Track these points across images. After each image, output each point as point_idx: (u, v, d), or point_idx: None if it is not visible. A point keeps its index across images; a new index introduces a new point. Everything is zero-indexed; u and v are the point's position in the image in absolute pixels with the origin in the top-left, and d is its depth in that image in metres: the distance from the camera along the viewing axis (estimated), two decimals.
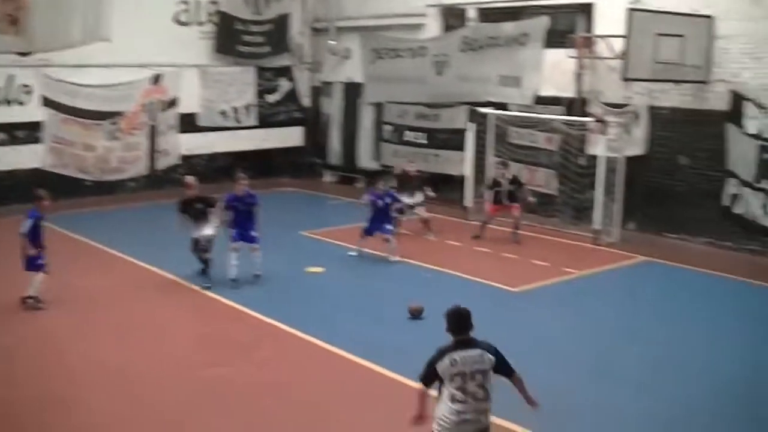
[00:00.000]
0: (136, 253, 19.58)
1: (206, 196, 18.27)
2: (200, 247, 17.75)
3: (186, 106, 29.02)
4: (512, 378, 8.97)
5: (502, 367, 8.90)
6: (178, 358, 13.36)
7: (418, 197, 22.38)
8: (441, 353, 8.74)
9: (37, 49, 25.47)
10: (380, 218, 19.97)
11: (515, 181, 21.68)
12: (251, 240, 17.85)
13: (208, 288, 17.02)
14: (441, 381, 8.59)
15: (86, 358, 13.37)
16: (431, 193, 22.60)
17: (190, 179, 18.68)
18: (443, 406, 8.54)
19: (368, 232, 20.02)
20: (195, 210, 17.83)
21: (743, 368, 13.24)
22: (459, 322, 9.11)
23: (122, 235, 21.56)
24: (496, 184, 21.65)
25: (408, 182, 22.49)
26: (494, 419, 8.95)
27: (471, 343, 8.89)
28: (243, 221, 17.87)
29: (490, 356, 8.83)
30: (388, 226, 19.94)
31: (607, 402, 11.91)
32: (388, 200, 20.17)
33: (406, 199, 21.75)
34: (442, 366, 8.61)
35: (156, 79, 28.07)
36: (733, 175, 20.64)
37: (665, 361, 13.43)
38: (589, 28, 23.37)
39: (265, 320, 15.17)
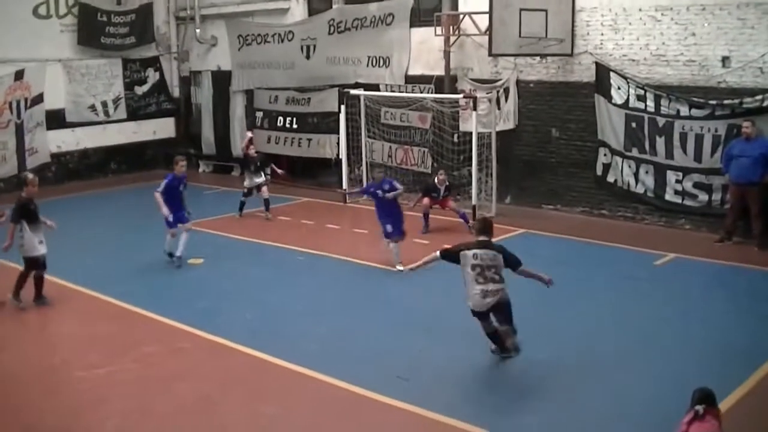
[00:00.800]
0: (5, 256, 19.06)
1: None
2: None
3: (52, 102, 28.39)
4: (519, 270, 12.19)
5: (510, 263, 12.15)
6: (57, 362, 13.05)
7: (261, 177, 22.66)
8: (468, 246, 12.23)
9: None
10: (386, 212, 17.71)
11: (448, 188, 21.29)
12: (186, 220, 18.14)
13: None
14: (457, 262, 12.17)
15: None
16: (279, 171, 23.21)
17: (32, 177, 17.04)
18: (471, 286, 12.06)
19: (396, 233, 17.54)
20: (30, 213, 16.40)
21: (622, 330, 13.53)
22: (483, 228, 12.48)
23: None
24: (433, 188, 21.10)
25: (251, 162, 22.72)
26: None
27: (488, 246, 12.16)
28: (178, 203, 18.03)
29: (501, 256, 12.06)
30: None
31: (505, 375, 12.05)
32: (386, 187, 17.89)
33: (249, 181, 22.45)
34: (467, 256, 12.05)
35: (18, 75, 27.30)
36: (604, 145, 21.07)
37: (552, 329, 13.61)
38: (454, 6, 23.51)
39: (147, 315, 14.90)
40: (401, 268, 16.30)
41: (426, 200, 20.45)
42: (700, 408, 8.07)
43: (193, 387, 11.84)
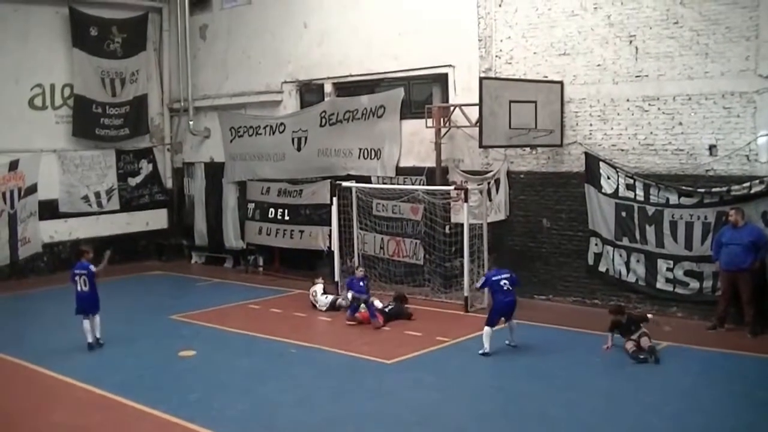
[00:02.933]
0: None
1: None
2: None
3: (46, 192, 28.53)
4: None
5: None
6: None
7: None
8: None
9: None
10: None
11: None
12: None
13: None
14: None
15: None
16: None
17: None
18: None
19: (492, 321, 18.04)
20: None
21: (620, 419, 13.47)
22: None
23: None
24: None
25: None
26: None
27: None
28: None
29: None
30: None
31: None
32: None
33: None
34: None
35: (13, 166, 27.45)
36: (595, 234, 21.16)
37: (545, 420, 13.54)
38: (444, 98, 23.79)
39: (138, 407, 14.76)
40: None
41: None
42: None
43: None
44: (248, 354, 18.29)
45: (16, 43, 27.85)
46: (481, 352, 17.48)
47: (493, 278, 18.20)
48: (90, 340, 18.67)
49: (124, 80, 30.21)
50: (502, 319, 17.94)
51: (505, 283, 17.99)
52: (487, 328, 17.66)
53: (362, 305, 20.41)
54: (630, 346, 16.85)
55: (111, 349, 18.62)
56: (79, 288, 18.78)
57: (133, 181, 31.17)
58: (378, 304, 20.96)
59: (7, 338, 19.75)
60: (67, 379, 16.53)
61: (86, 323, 18.71)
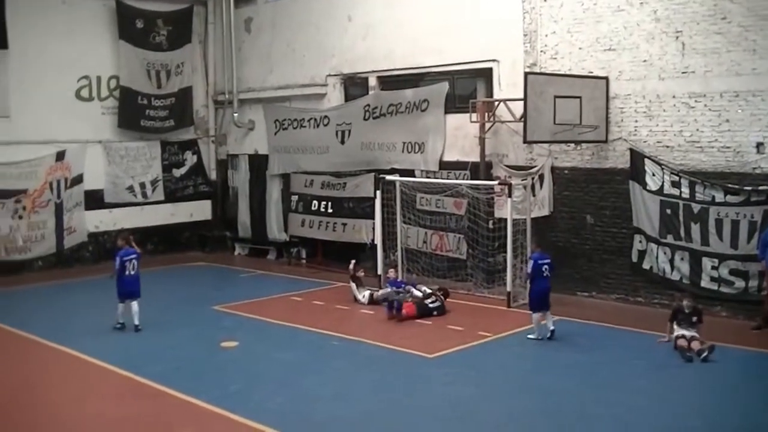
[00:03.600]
0: (44, 334, 19.18)
1: None
2: None
3: (91, 183, 28.76)
4: None
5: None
6: None
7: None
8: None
9: None
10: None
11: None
12: None
13: None
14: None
15: None
16: None
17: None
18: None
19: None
20: None
21: (659, 419, 13.36)
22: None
23: (29, 315, 21.14)
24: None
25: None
26: None
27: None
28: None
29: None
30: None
31: None
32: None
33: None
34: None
35: (60, 156, 27.73)
36: (639, 231, 21.01)
37: (585, 418, 13.47)
38: (489, 93, 23.72)
39: (180, 396, 14.87)
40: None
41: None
42: None
43: None
44: (290, 346, 18.34)
45: (63, 35, 28.04)
46: (532, 336, 18.33)
47: (539, 261, 18.55)
48: (122, 321, 19.37)
49: (170, 72, 30.37)
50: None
51: (546, 269, 18.54)
52: (535, 315, 18.39)
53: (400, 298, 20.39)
54: (682, 342, 16.72)
55: (153, 338, 18.74)
56: (128, 272, 19.35)
57: (177, 173, 31.35)
58: (417, 293, 21.00)
59: (51, 327, 19.93)
60: (109, 367, 16.66)
61: (122, 307, 19.38)
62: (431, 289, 21.49)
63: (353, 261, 23.25)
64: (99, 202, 29.11)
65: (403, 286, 21.81)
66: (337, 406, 14.25)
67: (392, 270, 22.93)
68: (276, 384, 15.55)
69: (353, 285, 22.47)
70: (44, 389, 15.63)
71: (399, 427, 13.29)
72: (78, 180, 28.42)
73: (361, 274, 22.95)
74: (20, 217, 27.04)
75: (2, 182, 26.59)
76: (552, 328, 18.27)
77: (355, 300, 22.15)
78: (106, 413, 14.33)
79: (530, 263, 18.87)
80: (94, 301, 17.57)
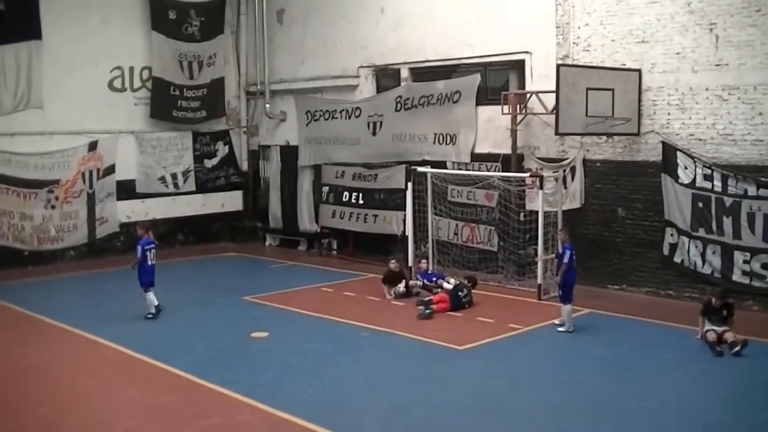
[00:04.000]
0: (76, 323, 19.33)
1: None
2: None
3: (123, 173, 28.93)
4: None
5: None
6: (122, 430, 13.12)
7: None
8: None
9: None
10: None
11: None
12: None
13: None
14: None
15: (22, 429, 13.13)
16: None
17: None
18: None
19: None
20: None
21: (691, 413, 13.31)
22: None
23: (61, 304, 21.34)
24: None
25: None
26: None
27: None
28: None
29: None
30: None
31: None
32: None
33: None
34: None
35: (92, 146, 27.90)
36: (671, 225, 20.92)
37: (615, 411, 13.44)
38: (521, 85, 23.67)
39: (210, 386, 14.95)
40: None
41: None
42: None
43: None
44: (320, 337, 18.39)
45: (96, 26, 28.21)
46: (563, 329, 18.39)
47: (569, 251, 18.58)
48: (153, 309, 19.83)
49: (202, 63, 30.46)
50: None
51: (574, 258, 18.63)
52: (567, 307, 18.41)
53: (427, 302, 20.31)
54: (711, 336, 16.65)
55: (184, 328, 18.87)
56: (149, 262, 19.88)
57: (209, 163, 31.46)
58: (448, 285, 21.00)
59: (83, 316, 20.11)
60: (140, 356, 16.77)
61: (150, 295, 19.86)
62: (459, 279, 21.47)
63: (393, 260, 23.06)
64: (131, 193, 29.28)
65: (434, 279, 21.80)
66: (368, 398, 14.29)
67: (424, 261, 22.95)
68: (307, 375, 15.60)
69: (385, 286, 22.33)
70: (77, 376, 15.78)
71: (429, 419, 13.29)
72: (110, 170, 28.59)
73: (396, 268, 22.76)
74: (53, 207, 27.25)
75: (35, 172, 26.78)
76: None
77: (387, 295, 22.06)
78: (139, 401, 14.45)
79: (567, 253, 18.53)
80: (126, 291, 17.66)
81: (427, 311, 19.70)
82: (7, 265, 25.09)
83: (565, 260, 18.52)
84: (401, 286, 21.89)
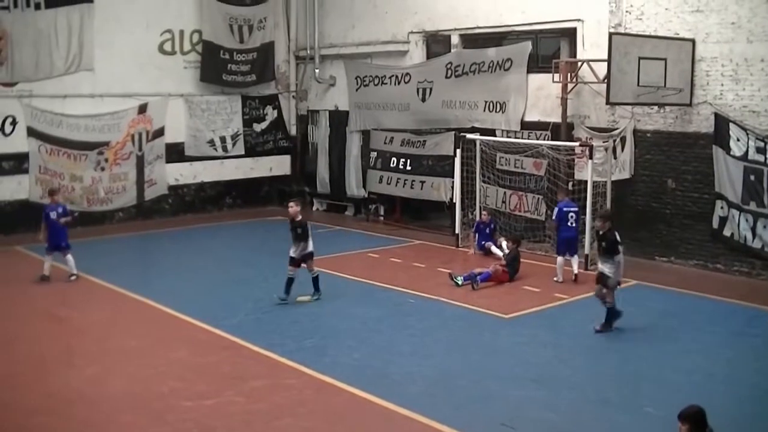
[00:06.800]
0: (122, 283, 19.49)
1: None
2: None
3: (172, 136, 29.09)
4: None
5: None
6: (166, 390, 13.24)
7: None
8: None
9: (20, 79, 25.56)
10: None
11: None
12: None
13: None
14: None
15: (68, 388, 13.28)
16: None
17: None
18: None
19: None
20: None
21: (738, 387, 13.21)
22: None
23: (109, 265, 21.49)
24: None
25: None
26: None
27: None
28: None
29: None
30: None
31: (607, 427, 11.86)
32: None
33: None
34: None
35: (142, 109, 28.05)
36: (721, 197, 20.69)
37: (661, 383, 13.36)
38: (572, 53, 23.47)
39: (255, 349, 15.06)
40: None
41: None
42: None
43: (298, 423, 11.89)
44: (366, 302, 18.43)
45: None
46: (555, 279, 19.97)
47: (564, 209, 19.90)
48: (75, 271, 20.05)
49: (252, 27, 30.48)
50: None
51: (572, 216, 19.82)
52: (558, 259, 20.15)
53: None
54: None
55: (231, 291, 18.97)
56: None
57: (258, 127, 31.54)
58: (498, 252, 21.40)
59: (131, 277, 20.30)
60: (187, 318, 16.94)
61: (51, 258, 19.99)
62: (506, 242, 21.58)
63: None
64: (180, 155, 29.46)
65: (490, 228, 22.92)
66: (413, 363, 14.31)
67: (485, 213, 23.14)
68: (351, 339, 15.66)
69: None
70: (124, 336, 15.92)
71: (473, 387, 13.29)
72: (159, 133, 28.78)
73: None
74: (102, 169, 27.49)
75: (85, 134, 27.02)
76: (576, 272, 20.05)
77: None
78: (184, 361, 14.61)
79: (555, 210, 20.46)
80: (174, 252, 17.74)
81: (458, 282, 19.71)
82: None
83: (553, 216, 20.76)
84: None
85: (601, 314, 16.11)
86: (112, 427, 11.87)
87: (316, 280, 18.50)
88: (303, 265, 18.23)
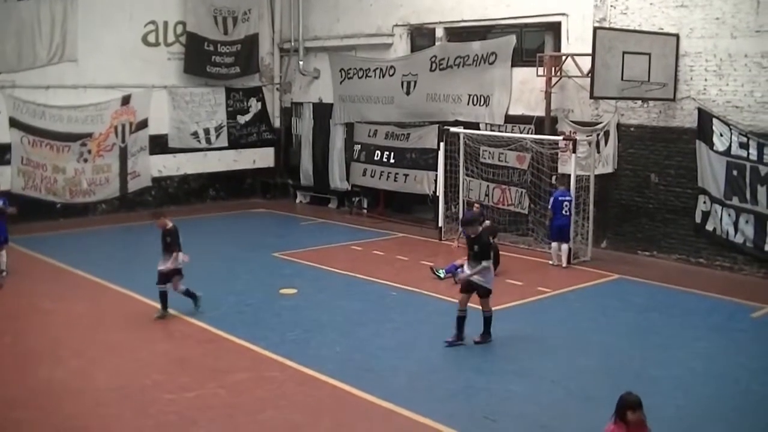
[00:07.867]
0: (106, 276, 19.45)
1: None
2: None
3: (156, 128, 29.01)
4: None
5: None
6: (149, 382, 13.22)
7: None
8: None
9: (3, 69, 25.51)
10: None
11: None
12: None
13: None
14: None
15: (51, 381, 13.23)
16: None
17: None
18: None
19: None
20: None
21: (720, 382, 13.26)
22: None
23: (92, 257, 21.48)
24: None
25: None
26: None
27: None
28: None
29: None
30: None
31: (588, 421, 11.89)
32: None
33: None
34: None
35: (125, 101, 27.96)
36: (704, 192, 20.77)
37: (643, 378, 13.39)
38: (557, 47, 23.50)
39: (238, 342, 15.04)
40: None
41: None
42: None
43: (280, 416, 11.88)
44: (349, 295, 18.43)
45: None
46: (551, 263, 21.07)
47: (560, 197, 20.54)
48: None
49: (236, 19, 30.42)
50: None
51: (566, 205, 20.42)
52: (553, 244, 21.15)
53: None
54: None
55: (213, 284, 18.88)
56: None
57: (241, 119, 31.48)
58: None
59: (114, 269, 20.22)
60: (169, 311, 16.81)
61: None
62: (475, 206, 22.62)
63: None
64: (163, 147, 29.39)
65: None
66: (396, 357, 14.32)
67: (477, 205, 22.86)
68: (335, 333, 15.65)
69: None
70: (107, 329, 15.88)
71: (456, 380, 13.34)
72: (143, 125, 28.70)
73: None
74: (85, 161, 27.40)
75: (69, 125, 26.93)
76: (564, 259, 20.93)
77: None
78: (167, 354, 14.59)
79: (551, 199, 21.19)
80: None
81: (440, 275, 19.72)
82: (40, 218, 25.24)
83: (549, 207, 21.41)
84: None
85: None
86: (95, 419, 11.83)
87: (189, 294, 17.00)
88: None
